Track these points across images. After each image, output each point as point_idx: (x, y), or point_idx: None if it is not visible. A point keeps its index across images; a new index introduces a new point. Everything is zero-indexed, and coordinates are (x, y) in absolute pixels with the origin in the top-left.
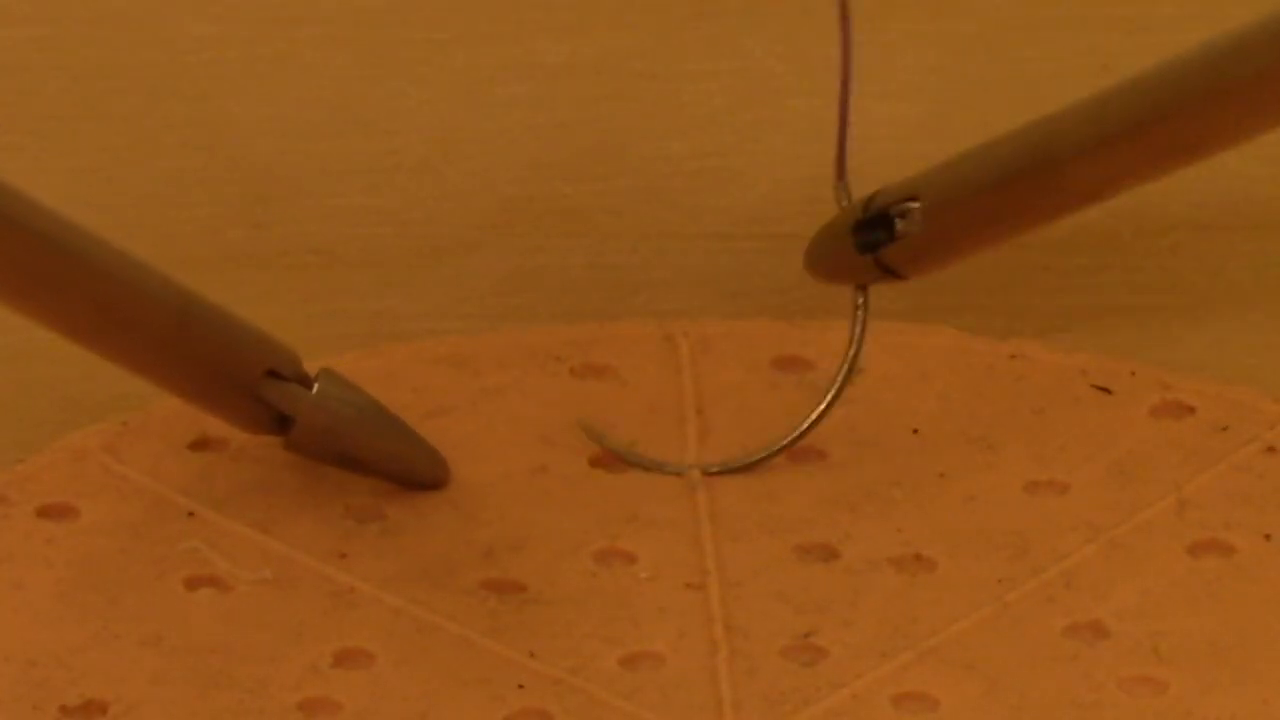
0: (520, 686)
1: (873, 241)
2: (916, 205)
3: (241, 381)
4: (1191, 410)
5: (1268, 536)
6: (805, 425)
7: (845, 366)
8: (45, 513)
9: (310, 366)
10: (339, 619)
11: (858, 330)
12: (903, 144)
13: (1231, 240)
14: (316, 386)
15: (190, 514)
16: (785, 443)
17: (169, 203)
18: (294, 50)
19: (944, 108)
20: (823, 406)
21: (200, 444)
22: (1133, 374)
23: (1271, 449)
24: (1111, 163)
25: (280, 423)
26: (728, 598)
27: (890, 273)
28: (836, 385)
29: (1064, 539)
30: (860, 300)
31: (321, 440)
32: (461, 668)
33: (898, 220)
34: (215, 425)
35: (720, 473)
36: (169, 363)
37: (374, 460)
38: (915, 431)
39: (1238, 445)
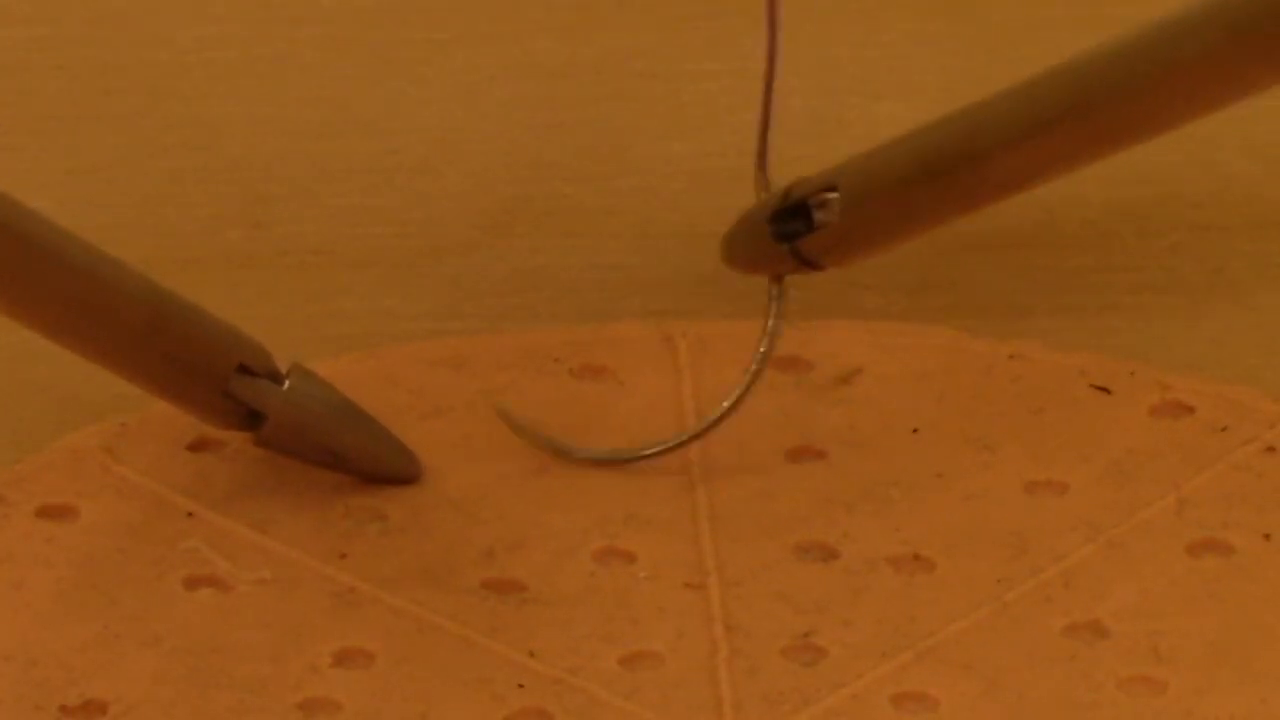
0: (520, 686)
1: (790, 232)
2: (834, 196)
3: (212, 377)
4: (1191, 410)
5: (1267, 536)
6: (715, 417)
7: (757, 362)
8: (45, 513)
9: (314, 367)
10: (339, 619)
11: (770, 323)
12: None
13: (1231, 240)
14: (288, 382)
15: (190, 514)
16: (689, 435)
17: (169, 203)
18: (294, 50)
19: (943, 108)
20: (729, 403)
21: (199, 444)
22: (1132, 374)
23: (1271, 449)
24: (1032, 153)
25: (251, 419)
26: (727, 597)
27: (808, 264)
28: (747, 380)
29: (1063, 539)
30: (774, 291)
31: (292, 436)
32: (461, 667)
33: (815, 210)
34: None
35: (608, 460)
36: (139, 358)
37: (345, 456)
38: (914, 431)
39: (1237, 445)
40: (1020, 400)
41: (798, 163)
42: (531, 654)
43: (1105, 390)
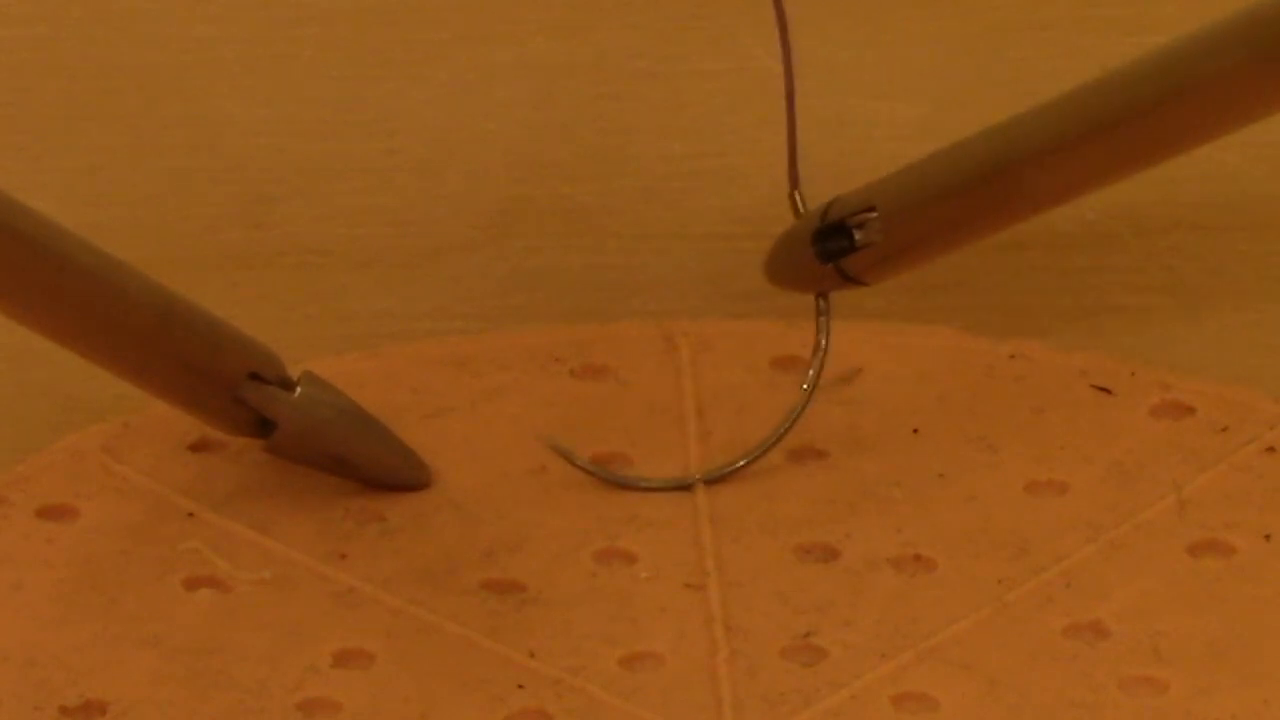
0: (520, 686)
1: (833, 250)
2: (874, 215)
3: (223, 384)
4: (1191, 410)
5: (1267, 536)
6: (776, 436)
7: (814, 375)
8: (45, 513)
9: (314, 366)
10: (339, 619)
11: (823, 340)
12: (903, 144)
13: (1231, 240)
14: (298, 390)
15: (190, 514)
16: (744, 460)
17: (169, 203)
18: (294, 50)
19: (944, 108)
20: (785, 426)
21: (200, 445)
22: (1133, 374)
23: (1271, 449)
24: (1068, 168)
25: (261, 426)
26: (728, 598)
27: (851, 280)
28: (808, 393)
29: (1064, 539)
30: (821, 307)
31: (302, 443)
32: (461, 668)
33: (856, 231)
34: None
35: (718, 479)
36: (150, 364)
37: (354, 463)
38: (915, 431)
39: (1238, 445)
40: (1022, 400)
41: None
42: (531, 654)
43: (1106, 390)
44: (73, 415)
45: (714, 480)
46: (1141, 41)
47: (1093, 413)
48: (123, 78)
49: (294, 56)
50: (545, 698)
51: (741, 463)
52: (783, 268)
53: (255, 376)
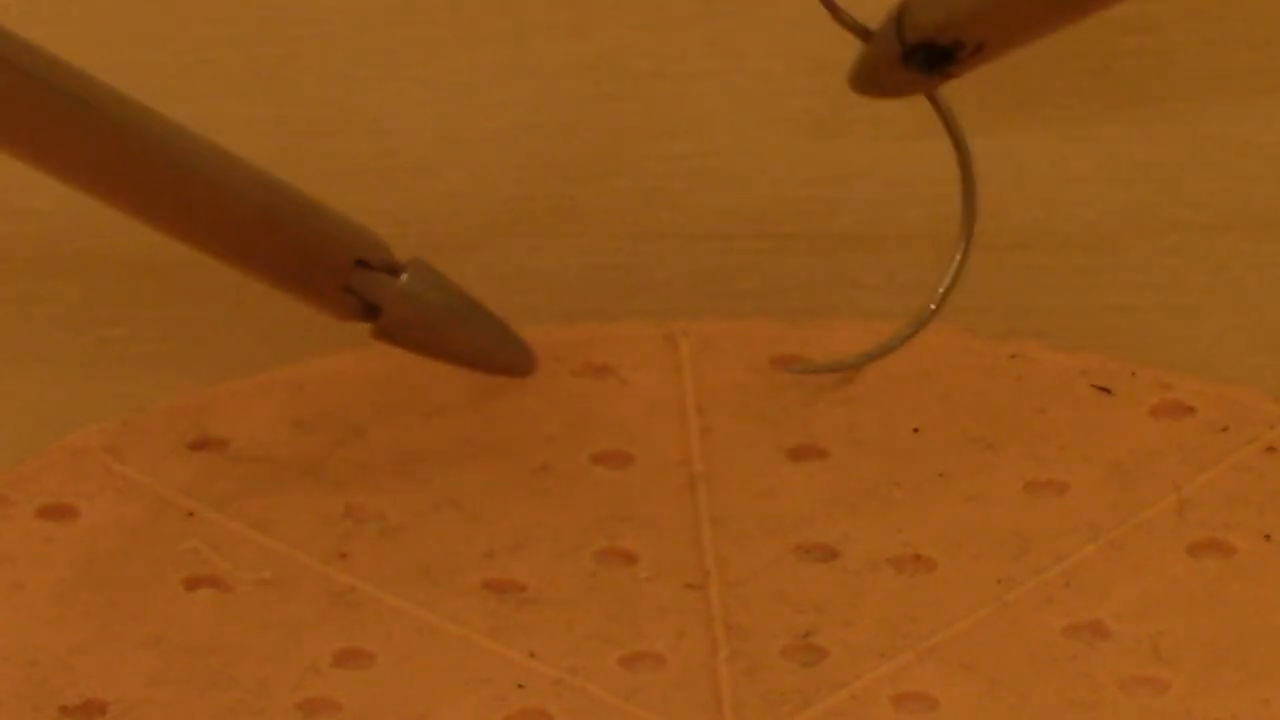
0: (520, 686)
1: (932, 63)
2: (966, 31)
3: (331, 271)
4: (1191, 410)
5: (1268, 537)
6: (945, 287)
7: (968, 184)
8: (45, 513)
9: (314, 364)
10: (339, 619)
11: (960, 138)
12: (903, 144)
13: (1231, 240)
14: (405, 276)
15: (190, 514)
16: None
17: None
18: (294, 50)
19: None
20: (959, 257)
21: (200, 444)
22: (1133, 374)
23: (1272, 449)
24: None
25: (368, 311)
26: (728, 597)
27: (950, 75)
28: (963, 247)
29: (1064, 539)
30: (942, 105)
31: (408, 331)
32: (462, 668)
33: (954, 48)
34: (216, 425)
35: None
36: (257, 252)
37: (460, 351)
38: (915, 431)
39: (1238, 445)
40: (1022, 400)
41: (799, 162)
42: (532, 654)
43: (1106, 390)
44: (73, 415)
45: (879, 356)
46: (1142, 41)
47: (1093, 413)
48: (123, 78)
49: (294, 56)
50: (545, 698)
51: (909, 332)
52: (872, 83)
53: (362, 263)
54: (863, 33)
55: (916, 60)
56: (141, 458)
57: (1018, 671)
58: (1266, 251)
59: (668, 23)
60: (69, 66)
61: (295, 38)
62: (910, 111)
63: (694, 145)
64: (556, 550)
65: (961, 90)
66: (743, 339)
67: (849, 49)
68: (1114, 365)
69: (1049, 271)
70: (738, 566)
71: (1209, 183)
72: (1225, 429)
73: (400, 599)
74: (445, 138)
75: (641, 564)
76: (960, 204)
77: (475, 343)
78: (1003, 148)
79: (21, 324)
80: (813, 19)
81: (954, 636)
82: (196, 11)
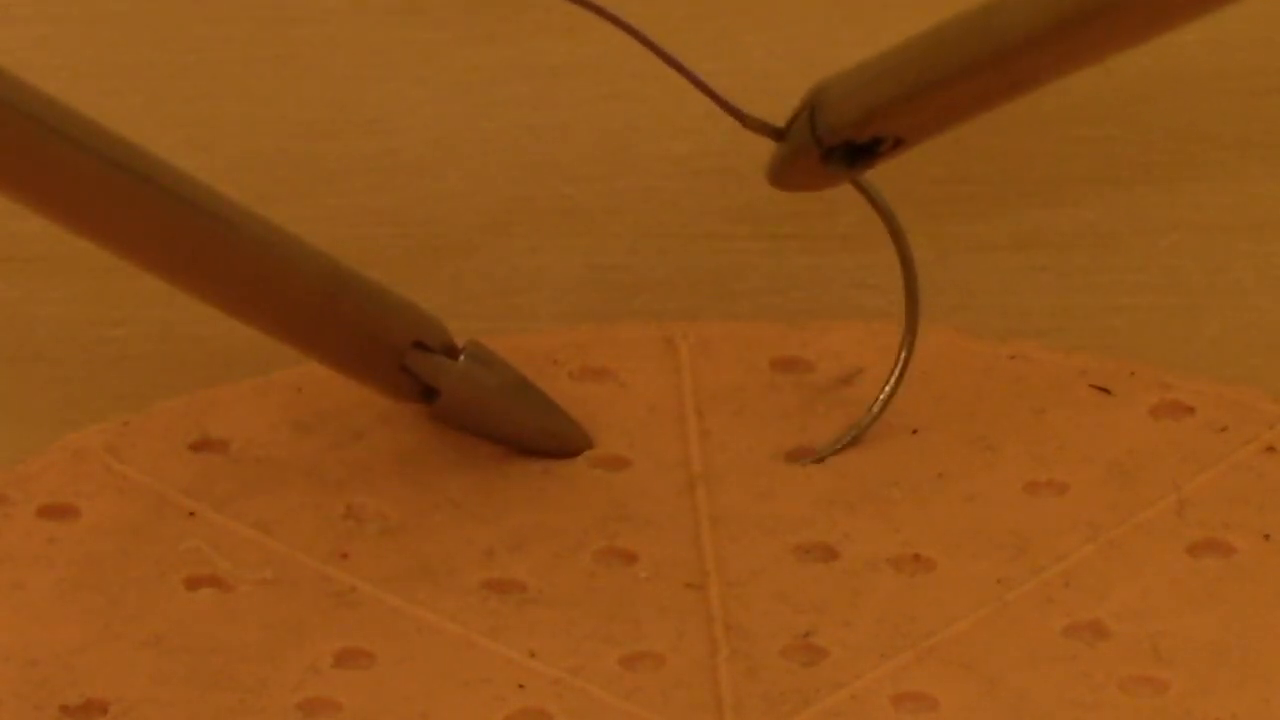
0: (521, 686)
1: (852, 160)
2: (884, 127)
3: (389, 352)
4: (1191, 410)
5: (1267, 536)
6: (891, 385)
7: (911, 295)
8: (46, 512)
9: (314, 365)
10: (340, 619)
11: (891, 219)
12: None
13: (1231, 240)
14: (462, 358)
15: (191, 514)
16: (877, 411)
17: None
18: (294, 50)
19: None
20: (900, 365)
21: (201, 444)
22: (1132, 374)
23: (1271, 449)
24: (1059, 46)
25: (426, 393)
26: (727, 597)
27: (866, 168)
28: (910, 324)
29: (1063, 539)
30: (871, 191)
31: (465, 412)
32: (462, 667)
33: (874, 145)
34: (217, 425)
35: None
36: (318, 334)
37: (516, 433)
38: (914, 432)
39: (1237, 445)
40: (1021, 400)
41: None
42: (532, 654)
43: (1105, 391)
44: (74, 415)
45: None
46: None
47: (1092, 413)
48: (123, 78)
49: (294, 56)
50: (546, 697)
51: (849, 437)
52: (791, 179)
53: (420, 345)
54: (773, 133)
55: (837, 158)
56: (142, 458)
57: (1017, 671)
58: (1266, 251)
59: (668, 23)
60: (134, 146)
61: (295, 38)
62: None
63: (694, 145)
64: (556, 550)
65: None
66: (743, 339)
67: (848, 49)
68: (1113, 365)
69: (1049, 271)
70: (737, 567)
71: (1209, 183)
72: (1225, 429)
73: (401, 599)
74: (445, 138)
75: (641, 564)
76: (904, 296)
77: (530, 423)
78: (1003, 147)
79: (21, 324)
80: (813, 19)
81: (953, 636)
82: (196, 11)
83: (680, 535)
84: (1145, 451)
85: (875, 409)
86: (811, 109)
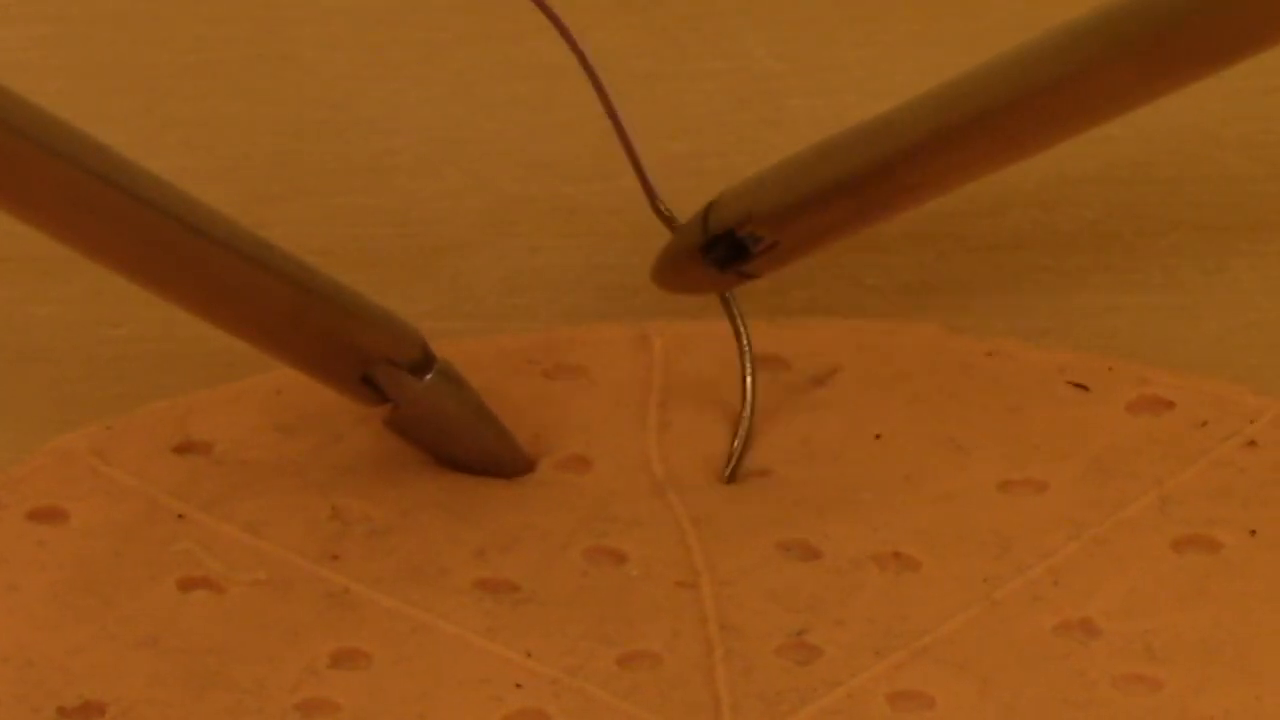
0: (518, 686)
1: (729, 257)
2: (764, 227)
3: (353, 364)
4: (1170, 405)
5: (1253, 532)
6: (737, 449)
7: (747, 369)
8: (36, 515)
9: None
10: (335, 620)
11: (745, 338)
12: None
13: (1231, 240)
14: (428, 378)
15: (180, 516)
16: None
17: None
18: (294, 50)
19: None
20: (743, 429)
21: (184, 446)
22: (1110, 369)
23: (1253, 443)
24: (945, 160)
25: (385, 399)
26: (720, 596)
27: (746, 276)
28: (747, 397)
29: (1046, 537)
30: (732, 305)
31: (415, 427)
32: (459, 668)
33: (749, 243)
34: (199, 428)
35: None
36: (284, 342)
37: (461, 456)
38: (877, 437)
39: (1218, 440)
40: (996, 399)
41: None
42: (529, 654)
43: (1083, 387)
44: (73, 415)
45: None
46: None
47: (1069, 410)
48: (123, 78)
49: (294, 56)
50: (543, 697)
51: (728, 470)
52: (674, 276)
53: (389, 360)
54: (670, 222)
55: (715, 253)
56: (128, 460)
57: (1011, 670)
58: (1266, 251)
59: (668, 23)
60: (108, 150)
61: (295, 38)
62: None
63: (694, 145)
64: (545, 550)
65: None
66: (719, 338)
67: (847, 49)
68: (1091, 361)
69: (1046, 271)
70: (727, 565)
71: (1209, 183)
72: (1205, 424)
73: (395, 600)
74: (445, 138)
75: (631, 563)
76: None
77: (478, 450)
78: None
79: (21, 324)
80: (813, 19)
81: (946, 635)
82: (196, 11)
83: (665, 534)
84: (1125, 448)
85: (737, 445)
86: (709, 205)
